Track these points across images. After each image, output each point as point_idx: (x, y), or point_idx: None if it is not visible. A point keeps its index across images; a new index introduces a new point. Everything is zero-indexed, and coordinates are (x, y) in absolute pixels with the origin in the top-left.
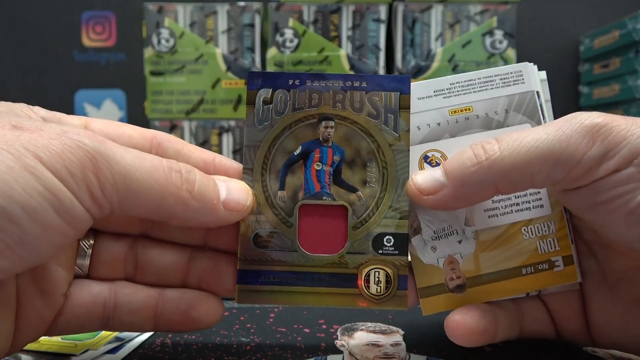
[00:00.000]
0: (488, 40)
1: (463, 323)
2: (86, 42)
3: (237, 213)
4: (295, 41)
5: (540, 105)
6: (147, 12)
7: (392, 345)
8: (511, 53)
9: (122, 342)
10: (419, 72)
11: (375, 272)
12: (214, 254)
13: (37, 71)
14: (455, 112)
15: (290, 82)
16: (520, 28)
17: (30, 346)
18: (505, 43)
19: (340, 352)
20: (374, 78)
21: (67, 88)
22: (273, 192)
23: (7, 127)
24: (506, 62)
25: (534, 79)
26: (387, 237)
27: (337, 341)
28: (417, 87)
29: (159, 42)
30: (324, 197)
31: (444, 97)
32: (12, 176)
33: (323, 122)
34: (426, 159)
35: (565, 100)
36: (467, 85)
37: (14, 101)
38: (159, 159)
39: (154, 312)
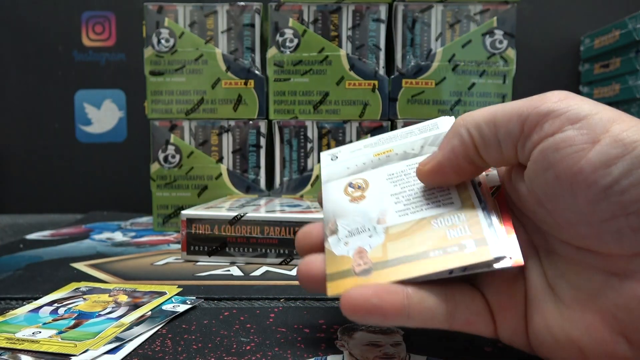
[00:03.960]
0: (488, 40)
1: (355, 293)
2: (86, 42)
3: None
4: (295, 41)
5: None
6: (147, 12)
7: (392, 345)
8: (511, 53)
9: (122, 342)
10: (419, 72)
11: None
12: None
13: (37, 71)
14: (378, 154)
15: None
16: (520, 28)
17: (30, 346)
18: (505, 43)
19: (340, 352)
20: None
21: (67, 88)
22: None
23: None
24: (506, 62)
25: (450, 125)
26: None
27: (337, 341)
28: (350, 145)
29: (158, 42)
30: None
31: (371, 148)
32: None
33: None
34: (350, 185)
35: None
36: (391, 138)
37: (13, 101)
38: None
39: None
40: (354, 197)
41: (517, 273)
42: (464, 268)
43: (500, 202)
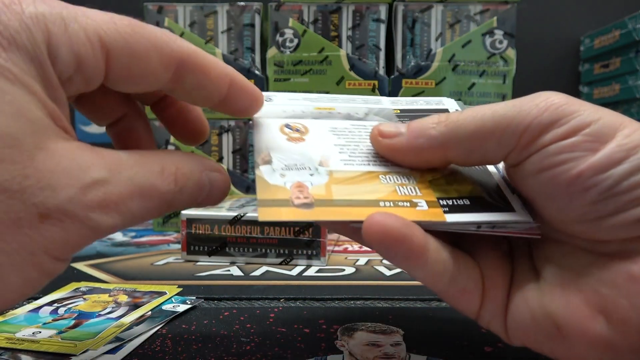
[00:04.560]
0: (488, 40)
1: (387, 218)
2: None
3: None
4: (295, 41)
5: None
6: (147, 12)
7: (392, 345)
8: (511, 53)
9: (122, 342)
10: (419, 72)
11: None
12: None
13: None
14: (319, 108)
15: None
16: (520, 28)
17: (30, 346)
18: (505, 43)
19: (340, 352)
20: None
21: None
22: None
23: None
24: (506, 62)
25: (390, 104)
26: None
27: (337, 341)
28: (288, 93)
29: None
30: None
31: (311, 102)
32: None
33: None
34: (287, 125)
35: None
36: (333, 98)
37: None
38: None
39: None
40: (291, 137)
41: (505, 253)
42: (493, 224)
43: None
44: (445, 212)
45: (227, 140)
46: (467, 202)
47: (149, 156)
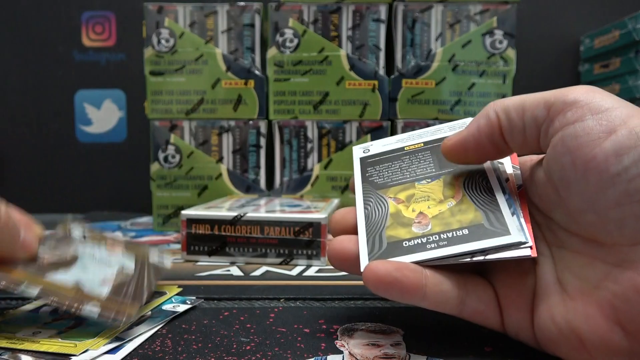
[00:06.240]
0: (488, 40)
1: (379, 266)
2: (86, 42)
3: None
4: (295, 41)
5: None
6: (147, 12)
7: (392, 345)
8: (511, 53)
9: (122, 342)
10: (419, 72)
11: None
12: None
13: (37, 71)
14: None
15: None
16: (520, 28)
17: (30, 346)
18: (505, 43)
19: (340, 352)
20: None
21: (67, 88)
22: None
23: None
24: (506, 62)
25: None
26: None
27: (337, 341)
28: (382, 140)
29: (159, 42)
30: None
31: (402, 142)
32: None
33: None
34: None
35: None
36: (421, 134)
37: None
38: None
39: None
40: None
41: (528, 268)
42: (485, 251)
43: (521, 199)
44: (440, 246)
45: (227, 140)
46: (465, 232)
47: None
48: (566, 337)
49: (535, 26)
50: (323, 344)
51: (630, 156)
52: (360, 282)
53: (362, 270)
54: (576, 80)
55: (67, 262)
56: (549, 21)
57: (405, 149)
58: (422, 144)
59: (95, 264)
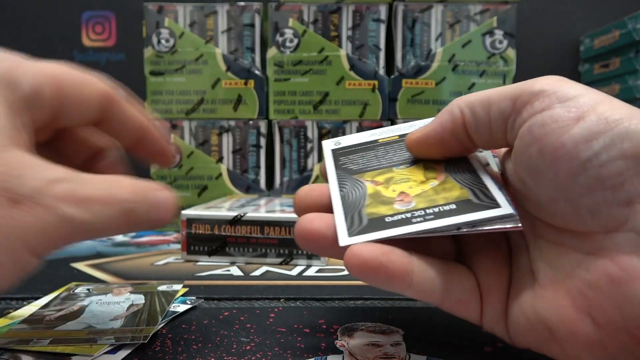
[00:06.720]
0: (488, 40)
1: (363, 249)
2: (86, 42)
3: None
4: (295, 41)
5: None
6: (147, 12)
7: (392, 345)
8: (511, 53)
9: (122, 343)
10: (419, 72)
11: None
12: None
13: None
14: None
15: None
16: (520, 28)
17: (30, 346)
18: (505, 43)
19: (340, 352)
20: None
21: None
22: None
23: None
24: (506, 62)
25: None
26: None
27: (337, 341)
28: (353, 135)
29: (159, 42)
30: None
31: (375, 136)
32: None
33: None
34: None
35: None
36: (395, 129)
37: None
38: None
39: None
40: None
41: (505, 257)
42: (473, 223)
43: (504, 181)
44: (427, 220)
45: (227, 140)
46: (453, 206)
47: (104, 174)
48: (535, 328)
49: (535, 26)
50: (323, 344)
51: (600, 141)
52: (361, 282)
53: (340, 244)
54: (576, 80)
55: (75, 313)
56: (549, 21)
57: (379, 141)
58: (397, 137)
59: (104, 308)
